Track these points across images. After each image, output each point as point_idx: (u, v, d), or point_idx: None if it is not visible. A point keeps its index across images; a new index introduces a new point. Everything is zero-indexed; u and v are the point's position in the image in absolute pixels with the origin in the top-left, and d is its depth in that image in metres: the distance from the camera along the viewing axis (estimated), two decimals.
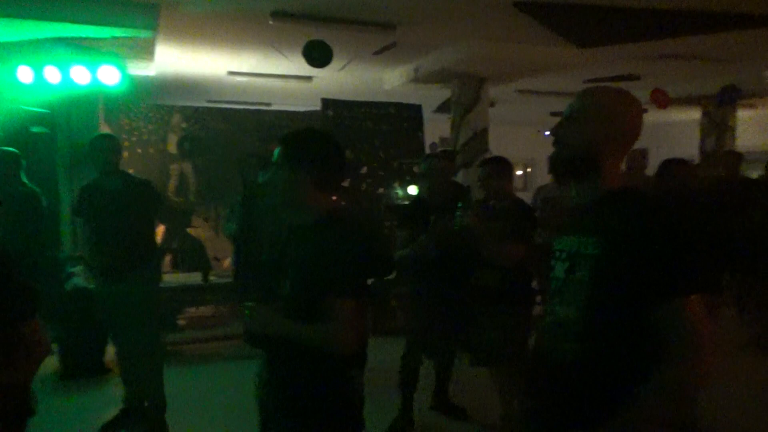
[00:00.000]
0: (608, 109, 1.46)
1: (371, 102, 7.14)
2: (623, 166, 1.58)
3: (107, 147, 3.38)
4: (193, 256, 5.56)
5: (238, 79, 7.66)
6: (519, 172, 14.92)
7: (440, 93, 7.53)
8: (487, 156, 6.11)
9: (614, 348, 1.38)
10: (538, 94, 8.78)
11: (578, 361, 1.42)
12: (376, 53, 6.33)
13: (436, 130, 9.94)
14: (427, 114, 7.93)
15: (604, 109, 1.46)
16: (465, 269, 3.27)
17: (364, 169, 6.65)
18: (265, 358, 1.99)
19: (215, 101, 9.04)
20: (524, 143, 13.35)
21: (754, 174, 5.80)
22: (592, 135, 1.45)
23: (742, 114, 8.68)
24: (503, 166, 3.24)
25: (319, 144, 1.83)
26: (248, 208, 3.60)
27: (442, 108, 8.57)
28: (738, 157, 5.40)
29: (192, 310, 5.74)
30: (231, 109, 8.21)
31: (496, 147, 8.05)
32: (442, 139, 10.33)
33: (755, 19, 5.04)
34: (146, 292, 3.44)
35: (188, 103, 8.29)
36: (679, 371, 1.28)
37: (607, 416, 1.33)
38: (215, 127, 7.39)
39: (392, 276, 5.38)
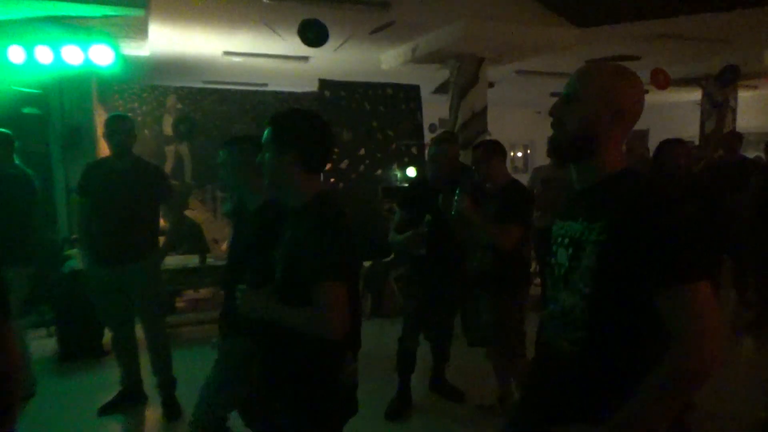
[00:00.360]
0: (609, 88, 1.40)
1: (369, 83, 7.06)
2: (623, 147, 1.53)
3: (121, 129, 3.33)
4: (190, 239, 5.54)
5: (234, 59, 7.56)
6: (519, 154, 14.88)
7: (439, 73, 7.44)
8: (486, 137, 6.08)
9: (621, 337, 1.35)
10: (537, 74, 8.69)
11: (584, 350, 1.39)
12: (373, 32, 6.24)
13: (435, 111, 9.87)
14: (425, 95, 7.85)
15: (605, 88, 1.40)
16: (461, 252, 3.25)
17: (362, 151, 6.60)
18: (252, 340, 1.98)
19: (211, 82, 8.95)
20: (524, 124, 13.27)
21: (754, 154, 5.76)
22: (593, 115, 1.40)
23: (743, 95, 8.61)
24: (494, 149, 3.20)
25: (307, 124, 1.80)
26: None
27: (441, 89, 8.49)
28: (738, 137, 5.36)
29: (190, 293, 5.73)
30: (227, 90, 8.13)
31: (496, 128, 8.00)
32: (442, 121, 10.27)
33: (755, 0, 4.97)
34: (151, 277, 3.44)
35: (184, 84, 8.21)
36: (684, 362, 1.23)
37: (612, 406, 1.29)
38: (211, 109, 7.32)
39: (390, 258, 5.38)
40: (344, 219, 1.79)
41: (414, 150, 6.94)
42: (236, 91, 8.01)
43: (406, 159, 6.71)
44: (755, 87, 9.15)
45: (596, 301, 1.36)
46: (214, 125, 7.24)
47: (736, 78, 7.74)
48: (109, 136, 3.33)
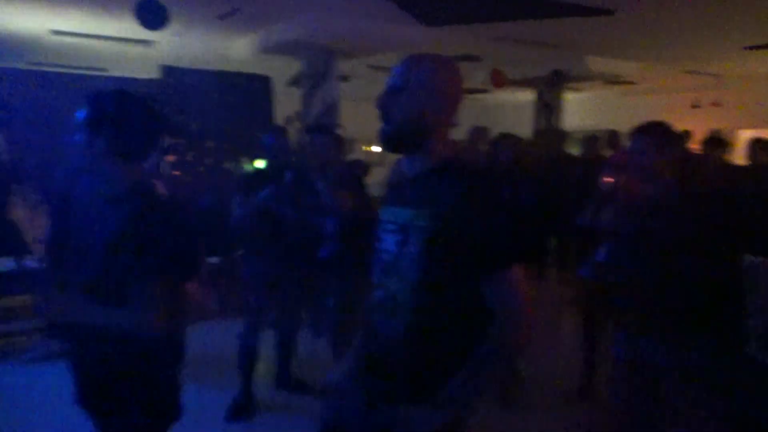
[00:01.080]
0: (432, 79, 1.44)
1: (218, 71, 6.77)
2: (466, 141, 1.59)
3: None
4: (5, 239, 4.90)
5: (65, 39, 6.85)
6: (376, 149, 15.19)
7: (295, 65, 7.35)
8: (338, 131, 6.10)
9: (447, 320, 1.40)
10: (389, 70, 8.90)
11: (411, 334, 1.42)
12: (221, 18, 5.98)
13: (293, 103, 9.72)
14: (281, 87, 7.70)
15: (428, 79, 1.43)
16: (307, 240, 3.24)
17: (209, 143, 6.31)
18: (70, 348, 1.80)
19: (37, 64, 8.03)
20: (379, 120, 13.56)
21: (576, 150, 6.40)
22: (419, 106, 1.43)
23: (569, 96, 9.55)
24: (328, 136, 3.30)
25: (125, 109, 1.65)
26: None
27: (297, 81, 8.39)
28: (563, 135, 5.91)
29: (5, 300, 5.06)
30: (56, 73, 7.34)
31: (352, 123, 8.06)
32: (298, 113, 10.15)
33: (578, 8, 5.50)
34: None
35: (3, 66, 7.28)
36: (505, 336, 1.34)
37: (441, 386, 1.35)
38: (36, 94, 6.55)
39: (240, 253, 5.20)
40: (163, 210, 1.67)
41: (265, 142, 6.76)
42: (67, 76, 7.25)
43: (256, 151, 6.51)
44: (579, 89, 10.20)
45: (422, 286, 1.39)
46: (38, 113, 6.48)
47: (562, 81, 8.56)
48: None
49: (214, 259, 5.29)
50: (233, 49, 7.35)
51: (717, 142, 5.24)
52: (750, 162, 5.25)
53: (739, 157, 6.14)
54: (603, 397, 3.01)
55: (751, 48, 6.95)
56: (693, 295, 2.08)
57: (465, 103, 1.54)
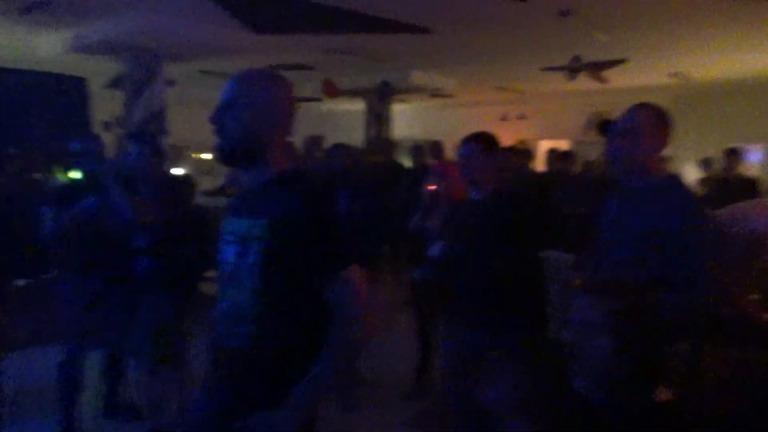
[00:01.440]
0: (261, 94, 1.47)
1: (24, 71, 6.03)
2: (302, 150, 1.64)
3: None
4: None
5: None
6: (207, 156, 14.57)
7: (114, 65, 6.82)
8: (165, 139, 5.80)
9: (289, 326, 1.44)
10: (221, 76, 8.67)
11: (256, 343, 1.44)
12: (26, 11, 5.37)
13: (112, 106, 8.98)
14: (98, 89, 7.08)
15: (257, 94, 1.46)
16: (126, 256, 3.03)
17: (13, 150, 5.59)
18: None
19: None
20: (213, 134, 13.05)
21: (405, 159, 6.80)
22: (250, 122, 1.45)
23: (398, 107, 10.10)
24: (145, 144, 3.15)
25: None
26: None
27: (117, 83, 7.78)
28: (392, 144, 6.25)
29: None
30: None
31: (184, 129, 7.69)
32: (118, 118, 9.40)
33: (398, 25, 5.86)
34: None
35: None
36: (348, 334, 1.40)
37: (289, 392, 1.38)
38: None
39: (53, 274, 4.69)
40: None
41: (73, 150, 6.16)
42: None
43: (70, 161, 5.91)
44: (406, 101, 10.83)
45: (263, 295, 1.42)
46: None
47: (390, 93, 9.04)
48: None
49: (20, 282, 4.71)
50: (41, 47, 6.62)
51: (521, 152, 5.93)
52: (547, 169, 6.02)
53: (540, 164, 6.99)
54: (439, 391, 3.25)
55: (548, 69, 7.97)
56: (504, 287, 2.36)
57: (298, 112, 1.60)
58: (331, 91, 8.23)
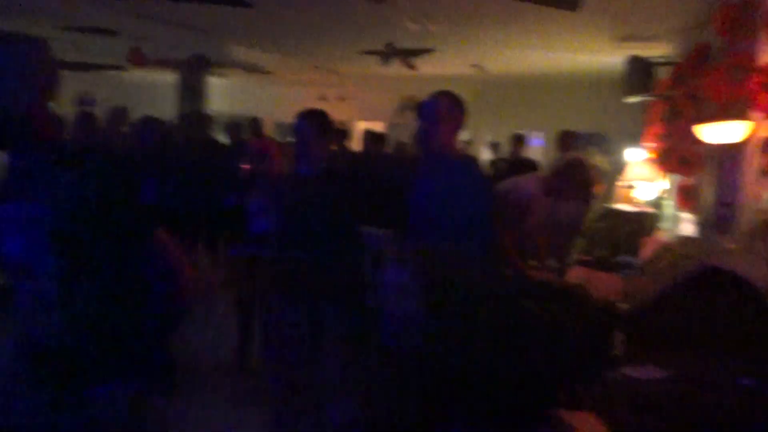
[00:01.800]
0: (11, 58, 1.33)
1: None
2: (105, 122, 1.54)
3: None
4: None
5: None
6: None
7: None
8: None
9: (100, 302, 1.37)
10: None
11: (68, 325, 1.37)
12: None
13: None
14: None
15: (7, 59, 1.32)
16: None
17: None
18: None
19: None
20: None
21: (221, 135, 6.55)
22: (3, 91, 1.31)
23: (214, 81, 9.68)
24: None
25: None
26: None
27: None
28: (208, 120, 6.01)
29: None
30: None
31: None
32: None
33: None
34: None
35: None
36: (168, 293, 1.41)
37: (115, 366, 1.37)
38: None
39: None
40: None
41: None
42: None
43: None
44: (224, 75, 10.42)
45: (60, 278, 1.35)
46: None
47: (205, 66, 8.64)
48: None
49: None
50: None
51: (340, 132, 6.12)
52: (363, 149, 6.30)
53: (356, 145, 7.27)
54: (261, 365, 3.27)
55: (365, 53, 8.26)
56: (335, 260, 2.48)
57: (98, 80, 1.49)
58: (139, 59, 7.61)
